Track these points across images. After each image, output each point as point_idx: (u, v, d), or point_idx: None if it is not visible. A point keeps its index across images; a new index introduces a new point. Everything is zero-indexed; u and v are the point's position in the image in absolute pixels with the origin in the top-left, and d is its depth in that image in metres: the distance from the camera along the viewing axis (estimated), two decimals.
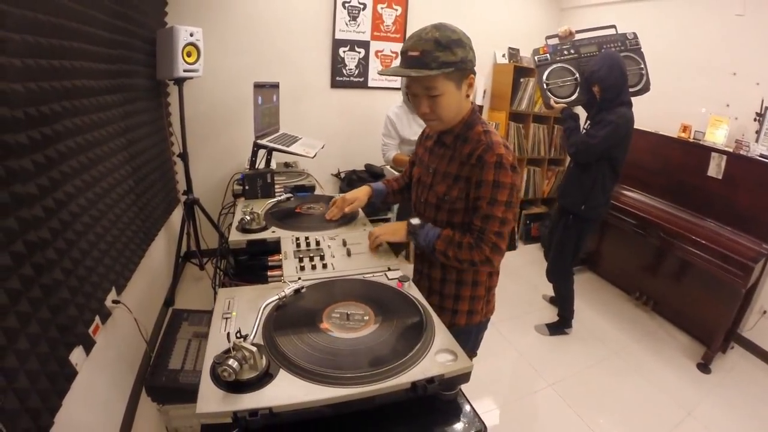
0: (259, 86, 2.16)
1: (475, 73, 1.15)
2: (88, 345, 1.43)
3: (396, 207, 3.23)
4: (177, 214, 2.81)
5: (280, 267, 1.14)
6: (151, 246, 2.25)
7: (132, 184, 2.02)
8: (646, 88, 2.49)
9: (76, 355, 1.34)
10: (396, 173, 2.71)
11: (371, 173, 3.41)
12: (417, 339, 0.85)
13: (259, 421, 0.65)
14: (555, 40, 2.62)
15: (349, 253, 1.22)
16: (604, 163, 2.36)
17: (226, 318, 0.88)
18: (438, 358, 0.82)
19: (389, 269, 1.16)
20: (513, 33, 3.76)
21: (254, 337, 0.77)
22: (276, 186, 1.74)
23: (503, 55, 3.75)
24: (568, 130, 2.44)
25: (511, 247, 3.96)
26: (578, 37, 2.58)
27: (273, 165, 2.53)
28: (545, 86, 2.53)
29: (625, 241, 3.20)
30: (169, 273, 2.62)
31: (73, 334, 1.34)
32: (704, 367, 2.47)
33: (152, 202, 2.32)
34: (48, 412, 1.14)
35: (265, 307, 0.85)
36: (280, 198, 1.53)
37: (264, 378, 0.72)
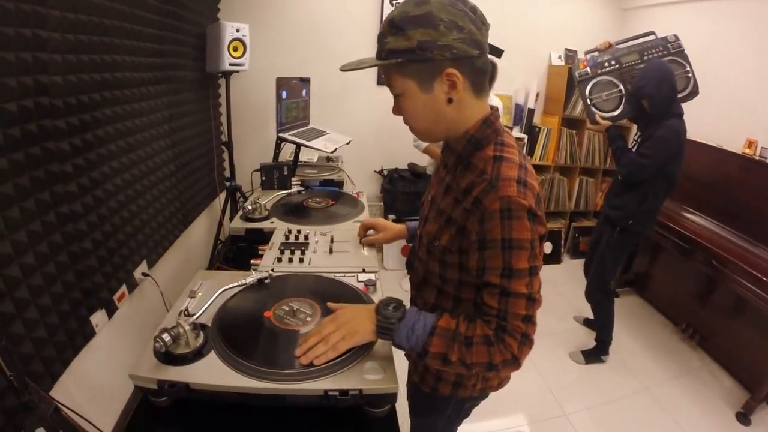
0: (283, 80, 2.26)
1: (470, 66, 0.80)
2: (111, 309, 1.60)
3: None
4: (222, 200, 3.01)
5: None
6: (190, 227, 2.44)
7: (173, 169, 2.20)
8: (694, 92, 2.34)
9: (98, 318, 1.51)
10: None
11: (414, 172, 3.46)
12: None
13: (176, 393, 0.74)
14: (595, 54, 2.52)
15: (331, 251, 1.27)
16: (659, 179, 2.23)
17: (191, 297, 0.97)
18: (365, 371, 0.81)
19: (363, 271, 1.18)
20: (571, 34, 3.61)
21: (198, 317, 0.85)
22: (301, 178, 1.82)
23: (559, 57, 3.61)
24: (618, 150, 2.33)
25: (556, 260, 3.81)
26: (618, 47, 2.47)
27: (315, 159, 2.65)
28: (589, 102, 2.44)
29: (678, 266, 2.95)
30: (207, 254, 2.81)
31: (97, 298, 1.50)
32: (744, 417, 2.22)
33: (194, 186, 2.51)
34: (61, 363, 1.30)
35: (222, 292, 0.93)
36: (291, 191, 1.62)
37: (195, 356, 0.80)
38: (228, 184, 2.81)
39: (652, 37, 2.47)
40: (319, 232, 1.39)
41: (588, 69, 2.46)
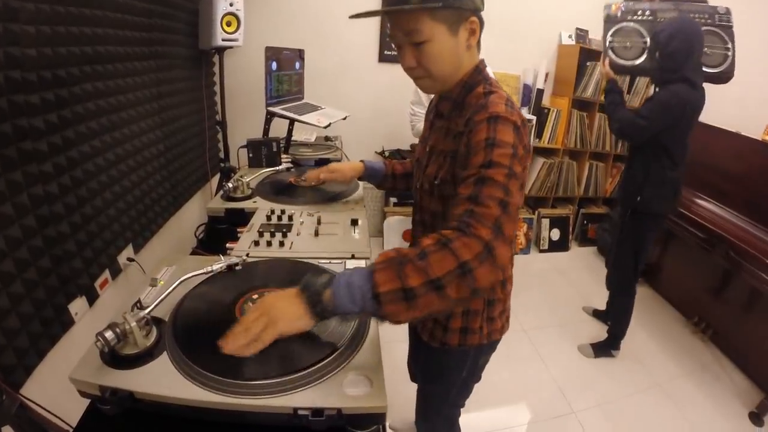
0: (272, 50, 2.17)
1: (480, 18, 0.91)
2: (92, 297, 1.55)
3: None
4: (216, 182, 2.95)
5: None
6: (181, 211, 2.40)
7: (162, 149, 2.14)
8: (728, 74, 2.14)
9: (77, 305, 1.46)
10: None
11: None
12: (327, 352, 0.71)
13: (119, 403, 0.66)
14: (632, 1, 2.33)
15: (317, 233, 1.19)
16: (658, 150, 2.07)
17: (152, 285, 0.90)
18: (346, 385, 0.68)
19: (353, 257, 1.09)
20: (582, 13, 3.45)
21: (149, 311, 0.77)
22: (293, 157, 1.74)
23: (569, 36, 3.46)
24: (612, 105, 2.16)
25: (564, 247, 3.72)
26: (662, 1, 2.29)
27: (312, 138, 2.57)
28: (608, 43, 2.27)
29: (691, 257, 2.84)
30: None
31: (76, 284, 1.45)
32: (757, 418, 2.13)
33: (185, 168, 2.45)
34: (35, 354, 1.25)
35: (184, 281, 0.85)
36: (278, 168, 1.54)
37: (143, 358, 0.72)
38: (222, 165, 2.76)
39: (703, 4, 2.29)
40: (305, 213, 1.31)
41: (619, 13, 2.29)
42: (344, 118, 2.29)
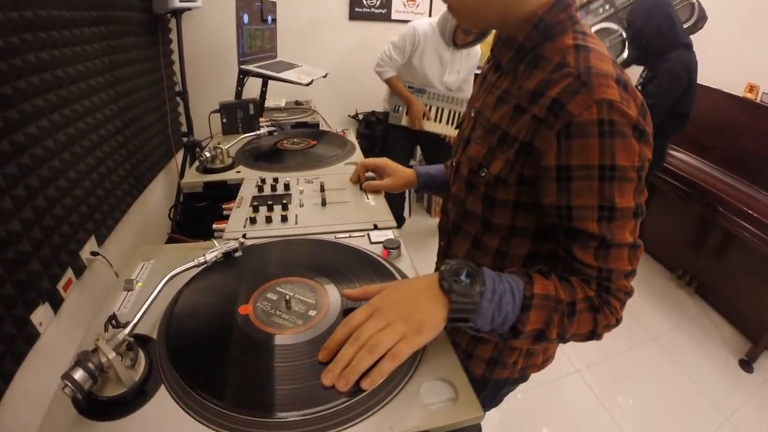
0: (243, 1, 1.88)
1: None
2: (56, 301, 1.30)
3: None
4: (180, 158, 2.63)
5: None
6: (145, 192, 2.10)
7: (119, 125, 1.84)
8: (702, 18, 2.12)
9: (41, 314, 1.21)
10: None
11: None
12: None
13: None
14: (586, 3, 2.32)
15: (323, 202, 0.96)
16: (667, 117, 2.04)
17: (127, 290, 0.64)
18: (424, 395, 0.51)
19: (375, 227, 0.87)
20: None
21: (132, 329, 0.53)
22: (269, 121, 1.49)
23: None
24: None
25: None
26: None
27: (282, 103, 2.30)
28: None
29: (672, 212, 2.82)
30: (168, 222, 2.46)
31: (36, 290, 1.20)
32: (747, 364, 2.18)
33: (147, 145, 2.15)
34: (1, 379, 1.02)
35: (169, 280, 0.60)
36: (259, 132, 1.27)
37: (133, 398, 0.49)
38: (185, 139, 2.46)
39: None
40: (302, 180, 1.08)
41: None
42: (324, 76, 2.03)
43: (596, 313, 0.58)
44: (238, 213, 0.90)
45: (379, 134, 3.00)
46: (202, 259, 0.67)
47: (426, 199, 3.49)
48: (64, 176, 1.35)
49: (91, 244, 1.51)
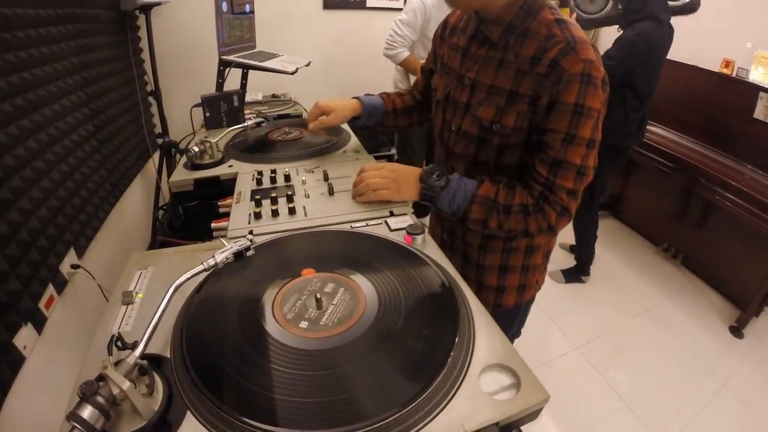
0: None
1: None
2: (39, 321, 1.18)
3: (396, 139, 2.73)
4: (156, 161, 2.49)
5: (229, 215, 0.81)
6: (122, 198, 1.97)
7: (92, 129, 1.71)
8: (692, 5, 2.06)
9: (24, 336, 1.09)
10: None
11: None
12: (444, 350, 0.50)
13: None
14: None
15: (331, 191, 0.89)
16: (624, 88, 2.01)
17: (126, 304, 0.55)
18: (485, 384, 0.48)
19: (392, 214, 0.83)
20: None
21: (142, 350, 0.45)
22: (253, 113, 1.39)
23: None
24: None
25: None
26: None
27: (259, 97, 2.19)
28: (572, 1, 2.17)
29: (654, 185, 2.84)
30: (148, 228, 2.32)
31: (17, 311, 1.08)
32: (737, 330, 2.21)
33: (121, 149, 2.02)
34: None
35: (177, 288, 0.51)
36: (247, 123, 1.18)
37: (157, 430, 0.41)
38: (160, 140, 2.32)
39: None
40: (302, 170, 0.99)
41: None
42: (307, 64, 1.92)
43: (527, 216, 0.77)
44: (239, 209, 0.82)
45: (360, 124, 2.90)
46: (212, 262, 0.59)
47: None
48: (37, 186, 1.22)
49: (71, 257, 1.39)
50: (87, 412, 0.38)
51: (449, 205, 0.81)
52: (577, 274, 2.51)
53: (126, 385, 0.38)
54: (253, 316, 0.54)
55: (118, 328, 0.54)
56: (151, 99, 2.39)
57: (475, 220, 0.80)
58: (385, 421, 0.42)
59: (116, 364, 0.41)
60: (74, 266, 1.39)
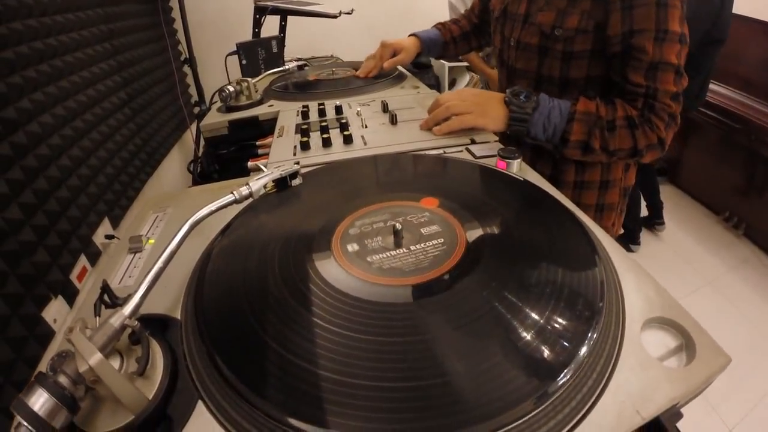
0: None
1: None
2: (70, 294, 1.06)
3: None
4: (194, 131, 2.37)
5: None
6: (159, 169, 1.85)
7: (125, 97, 1.58)
8: None
9: (54, 310, 0.98)
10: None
11: (417, 65, 2.58)
12: (587, 307, 0.32)
13: None
14: None
15: (394, 120, 0.70)
16: (701, 47, 1.81)
17: (134, 252, 0.38)
18: (649, 347, 0.33)
19: (473, 142, 0.66)
20: None
21: (139, 303, 0.28)
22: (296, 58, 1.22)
23: None
24: None
25: None
26: None
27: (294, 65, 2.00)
28: None
29: (715, 149, 2.51)
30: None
31: (45, 283, 0.96)
32: None
33: (157, 117, 1.90)
34: (13, 388, 0.80)
35: (194, 224, 0.33)
36: (288, 67, 1.00)
37: (153, 426, 0.24)
38: (198, 109, 2.17)
39: None
40: (356, 103, 0.80)
41: None
42: (350, 12, 1.67)
43: (635, 129, 0.65)
44: (281, 142, 0.64)
45: None
46: (245, 191, 0.40)
47: None
48: (67, 154, 1.10)
49: (105, 227, 1.26)
50: (40, 401, 0.21)
51: (544, 127, 0.66)
52: (625, 242, 2.26)
53: (95, 358, 0.21)
54: (301, 260, 0.35)
55: (120, 282, 0.36)
56: (186, 70, 2.25)
57: (576, 143, 0.66)
58: (528, 416, 0.24)
59: (95, 330, 0.24)
60: (108, 236, 1.27)
